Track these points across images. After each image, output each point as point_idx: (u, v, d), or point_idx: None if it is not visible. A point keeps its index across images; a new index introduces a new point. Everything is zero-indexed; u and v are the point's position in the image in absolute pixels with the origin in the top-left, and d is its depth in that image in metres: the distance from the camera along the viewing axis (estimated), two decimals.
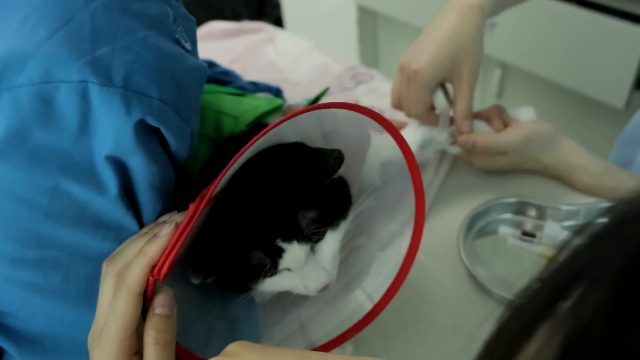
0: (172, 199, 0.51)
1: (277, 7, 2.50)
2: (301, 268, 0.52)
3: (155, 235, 0.45)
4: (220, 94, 0.73)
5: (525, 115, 0.84)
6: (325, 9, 2.13)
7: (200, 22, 1.32)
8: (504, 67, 1.69)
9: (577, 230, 0.24)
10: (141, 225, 0.49)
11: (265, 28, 1.26)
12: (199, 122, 0.52)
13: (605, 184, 0.78)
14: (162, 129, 0.46)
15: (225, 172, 0.45)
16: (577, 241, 0.24)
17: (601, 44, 1.37)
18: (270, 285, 0.54)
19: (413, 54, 0.78)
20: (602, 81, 1.42)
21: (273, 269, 0.51)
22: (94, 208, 0.46)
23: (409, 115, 0.83)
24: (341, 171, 0.57)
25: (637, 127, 0.93)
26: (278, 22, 2.46)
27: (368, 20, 2.03)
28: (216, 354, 0.54)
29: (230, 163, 0.44)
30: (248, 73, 1.10)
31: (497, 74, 1.70)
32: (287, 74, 1.10)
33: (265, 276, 0.52)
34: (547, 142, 0.80)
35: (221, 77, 0.88)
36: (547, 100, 1.63)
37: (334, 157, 0.50)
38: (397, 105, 0.85)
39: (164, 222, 0.47)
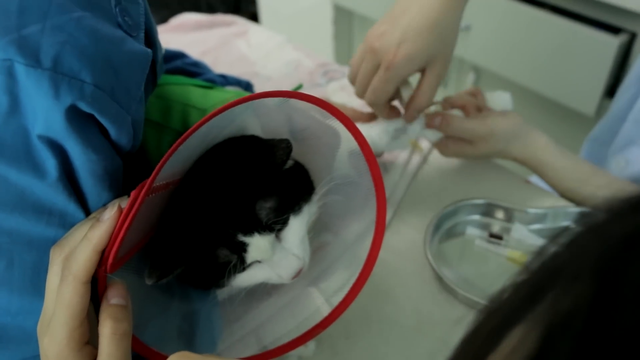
0: (121, 188, 0.49)
1: (253, 2, 2.48)
2: (270, 258, 0.50)
3: (98, 220, 0.43)
4: (188, 85, 0.71)
5: (500, 102, 0.83)
6: (301, 7, 2.12)
7: (175, 15, 1.30)
8: (478, 71, 1.70)
9: (552, 237, 0.24)
10: (87, 213, 0.47)
11: (238, 21, 1.25)
12: (143, 110, 0.50)
13: (573, 182, 0.77)
14: (97, 116, 0.43)
15: (166, 161, 0.43)
16: (552, 247, 0.24)
17: (574, 52, 1.39)
18: (243, 280, 0.52)
19: (389, 36, 0.71)
20: (574, 88, 1.44)
21: (241, 264, 0.50)
22: (34, 193, 0.44)
23: (361, 95, 0.77)
24: (312, 168, 0.56)
25: (606, 128, 0.94)
26: (254, 17, 2.44)
27: (344, 19, 2.03)
28: (174, 350, 0.53)
29: (168, 153, 0.43)
30: (219, 66, 1.08)
31: (470, 77, 1.71)
32: (258, 68, 1.09)
33: (235, 272, 0.51)
34: (515, 136, 0.79)
35: (190, 69, 0.86)
36: (518, 105, 1.64)
37: (282, 148, 0.49)
38: (353, 79, 0.78)
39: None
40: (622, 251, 0.21)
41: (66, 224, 0.46)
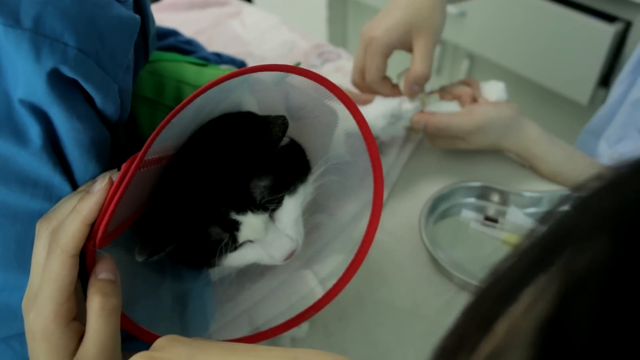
0: (109, 162, 0.48)
1: None
2: (262, 238, 0.49)
3: (88, 192, 0.42)
4: (182, 62, 0.70)
5: (494, 92, 0.82)
6: None
7: None
8: (472, 57, 1.69)
9: (542, 218, 0.24)
10: (74, 186, 0.45)
11: (232, 2, 1.23)
12: (131, 80, 0.48)
13: (565, 173, 0.77)
14: (81, 81, 0.42)
15: (158, 133, 0.41)
16: (542, 228, 0.23)
17: (569, 40, 1.38)
18: (235, 259, 0.51)
19: (372, 23, 0.79)
20: (568, 77, 1.43)
21: (233, 243, 0.49)
22: (17, 162, 0.42)
23: (357, 82, 0.83)
24: (308, 148, 0.55)
25: (600, 119, 0.94)
26: (248, 0, 2.42)
27: (338, 3, 2.01)
28: (166, 330, 0.52)
29: (160, 125, 0.41)
30: (213, 46, 1.06)
31: (465, 64, 1.70)
32: (252, 48, 1.07)
33: (226, 251, 0.50)
34: (506, 128, 0.78)
35: (184, 46, 0.85)
36: (512, 93, 1.64)
37: (279, 124, 0.48)
38: (358, 80, 0.83)
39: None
40: None
41: (52, 197, 0.44)
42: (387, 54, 0.78)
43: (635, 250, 0.19)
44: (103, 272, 0.43)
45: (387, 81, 0.81)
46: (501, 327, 0.22)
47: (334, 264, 0.60)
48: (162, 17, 1.16)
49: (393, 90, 0.81)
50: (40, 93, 0.40)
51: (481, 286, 0.24)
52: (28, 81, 0.40)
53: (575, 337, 0.18)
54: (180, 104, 0.42)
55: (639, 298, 0.18)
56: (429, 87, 0.83)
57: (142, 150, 0.41)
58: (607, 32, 1.29)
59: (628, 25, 1.30)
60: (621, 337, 0.17)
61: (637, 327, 0.17)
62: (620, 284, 0.18)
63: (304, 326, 0.64)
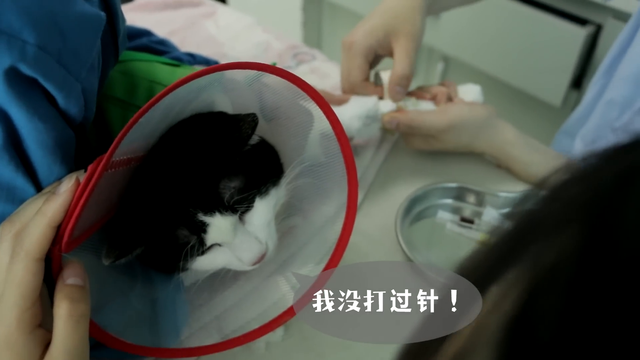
0: (73, 163, 0.46)
1: None
2: (230, 241, 0.48)
3: (54, 193, 0.40)
4: (154, 62, 0.69)
5: (470, 94, 0.82)
6: None
7: None
8: (447, 60, 1.70)
9: (508, 214, 0.23)
10: (39, 188, 0.44)
11: (205, 2, 1.22)
12: (96, 79, 0.47)
13: (541, 174, 0.77)
14: (41, 80, 0.40)
15: (125, 133, 0.40)
16: (508, 224, 0.22)
17: (541, 42, 1.40)
18: (203, 263, 0.50)
19: (352, 31, 0.80)
20: (541, 78, 1.45)
21: (201, 246, 0.48)
22: None
23: (346, 88, 0.83)
24: (282, 150, 0.54)
25: (575, 120, 0.95)
26: (222, 2, 2.40)
27: (313, 6, 2.00)
28: (135, 337, 0.50)
29: (127, 125, 0.40)
30: (187, 47, 1.05)
31: (440, 67, 1.71)
32: (226, 49, 1.06)
33: (193, 254, 0.48)
34: (479, 129, 0.78)
35: (156, 47, 0.83)
36: (487, 94, 1.65)
37: (248, 122, 0.47)
38: (346, 87, 0.83)
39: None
40: (618, 190, 0.19)
41: (15, 199, 0.43)
42: (367, 56, 0.79)
43: (605, 241, 0.18)
44: (71, 277, 0.41)
45: (371, 84, 0.82)
46: (467, 327, 0.21)
47: (309, 267, 0.59)
48: (135, 17, 1.14)
49: (376, 91, 0.81)
50: None
51: (447, 283, 0.23)
52: None
53: (541, 335, 0.17)
54: (148, 103, 0.41)
55: (609, 292, 0.17)
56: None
57: (109, 151, 0.40)
58: (578, 35, 1.31)
59: (599, 28, 1.32)
60: (588, 335, 0.17)
61: (604, 323, 0.16)
62: (589, 277, 0.17)
63: (279, 331, 0.63)
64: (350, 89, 0.82)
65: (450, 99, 0.81)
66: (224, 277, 0.56)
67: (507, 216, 0.23)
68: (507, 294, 0.19)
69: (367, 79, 0.82)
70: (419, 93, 0.82)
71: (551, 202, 0.21)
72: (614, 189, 0.19)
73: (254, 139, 0.51)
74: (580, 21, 1.33)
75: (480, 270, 0.22)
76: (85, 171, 0.42)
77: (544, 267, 0.19)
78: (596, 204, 0.19)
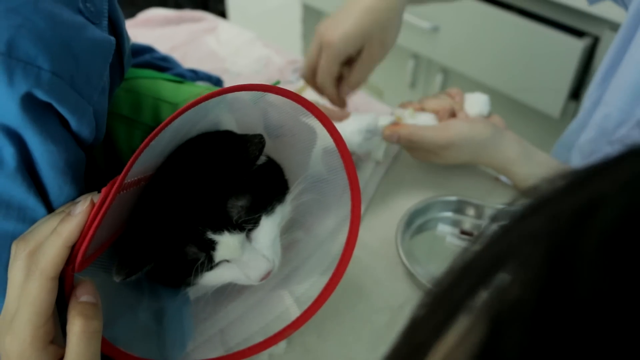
0: (84, 182, 0.47)
1: (221, 1, 2.45)
2: (239, 258, 0.49)
3: (69, 214, 0.42)
4: (158, 79, 0.70)
5: (477, 104, 0.81)
6: (270, 6, 2.11)
7: (142, 10, 1.28)
8: (446, 72, 1.71)
9: (475, 238, 0.23)
10: (49, 208, 0.45)
11: (207, 17, 1.23)
12: (107, 101, 0.48)
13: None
14: (56, 105, 0.41)
15: (137, 157, 0.41)
16: (475, 247, 0.22)
17: (540, 54, 1.41)
18: (211, 279, 0.51)
19: (330, 23, 0.80)
20: (540, 90, 1.46)
21: (209, 263, 0.49)
22: None
23: (307, 78, 0.86)
24: (287, 166, 0.55)
25: (572, 132, 0.96)
26: (222, 16, 2.42)
27: (313, 18, 2.02)
28: (143, 350, 0.51)
29: (139, 149, 0.41)
30: (188, 62, 1.06)
31: (438, 78, 1.72)
32: (228, 64, 1.08)
33: (202, 271, 0.49)
34: (480, 147, 0.77)
35: (159, 63, 0.84)
36: None
37: (255, 143, 0.48)
38: (308, 76, 0.86)
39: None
40: (577, 224, 0.19)
41: (26, 218, 0.44)
42: (342, 61, 0.81)
43: (562, 278, 0.18)
44: (84, 295, 0.42)
45: (338, 84, 0.85)
46: (435, 358, 0.21)
47: (312, 281, 0.60)
48: (137, 33, 1.15)
49: (338, 89, 0.85)
50: (14, 116, 0.40)
51: (418, 308, 0.23)
52: (1, 104, 0.39)
53: None
54: (159, 127, 0.42)
55: (567, 331, 0.17)
56: (402, 100, 0.84)
57: (121, 174, 0.41)
58: (576, 46, 1.32)
59: (596, 40, 1.34)
60: None
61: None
62: (549, 315, 0.17)
63: (282, 343, 0.64)
64: (314, 84, 0.85)
65: (453, 114, 0.81)
66: (229, 292, 0.57)
67: (474, 239, 0.23)
68: (473, 327, 0.20)
69: (334, 79, 0.84)
70: (418, 108, 0.83)
71: (516, 230, 0.21)
72: (573, 223, 0.19)
73: (261, 160, 0.52)
74: (578, 33, 1.34)
75: (449, 299, 0.22)
76: (99, 192, 0.43)
77: (507, 301, 0.19)
78: (558, 238, 0.19)
